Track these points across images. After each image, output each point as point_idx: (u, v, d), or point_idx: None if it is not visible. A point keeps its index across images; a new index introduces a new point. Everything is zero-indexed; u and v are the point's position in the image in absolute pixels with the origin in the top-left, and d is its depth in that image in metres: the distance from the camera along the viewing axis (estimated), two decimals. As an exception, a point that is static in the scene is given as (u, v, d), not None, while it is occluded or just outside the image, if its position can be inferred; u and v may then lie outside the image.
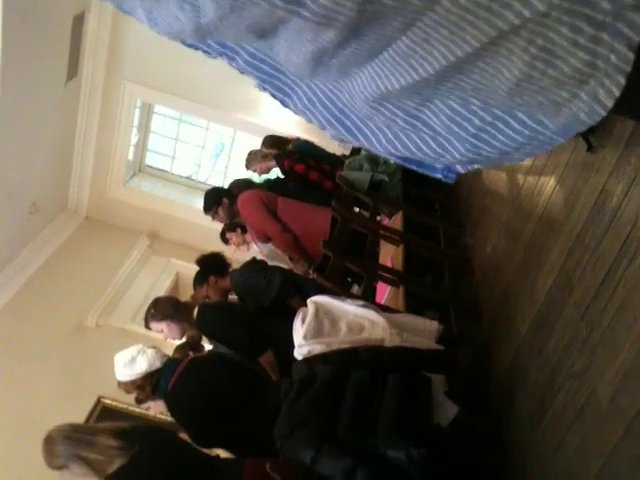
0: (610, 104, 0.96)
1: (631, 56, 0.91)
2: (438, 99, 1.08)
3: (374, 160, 4.30)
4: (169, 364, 2.73)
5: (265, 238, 4.29)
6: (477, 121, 1.09)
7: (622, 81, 0.93)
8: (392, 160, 3.87)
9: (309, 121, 1.27)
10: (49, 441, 2.39)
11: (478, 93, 1.04)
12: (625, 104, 0.96)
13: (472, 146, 1.13)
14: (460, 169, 1.27)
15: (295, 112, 1.28)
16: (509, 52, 0.95)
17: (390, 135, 1.19)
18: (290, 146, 5.13)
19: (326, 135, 1.31)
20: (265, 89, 1.24)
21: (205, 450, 2.55)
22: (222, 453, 2.62)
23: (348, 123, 1.22)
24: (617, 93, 0.94)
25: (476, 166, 1.24)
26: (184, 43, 1.16)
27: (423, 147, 1.17)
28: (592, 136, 2.28)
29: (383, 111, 1.13)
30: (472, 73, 1.00)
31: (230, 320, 3.05)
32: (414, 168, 1.32)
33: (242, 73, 1.24)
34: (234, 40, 1.13)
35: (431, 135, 1.15)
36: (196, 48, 1.21)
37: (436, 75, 1.00)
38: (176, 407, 2.65)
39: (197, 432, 2.57)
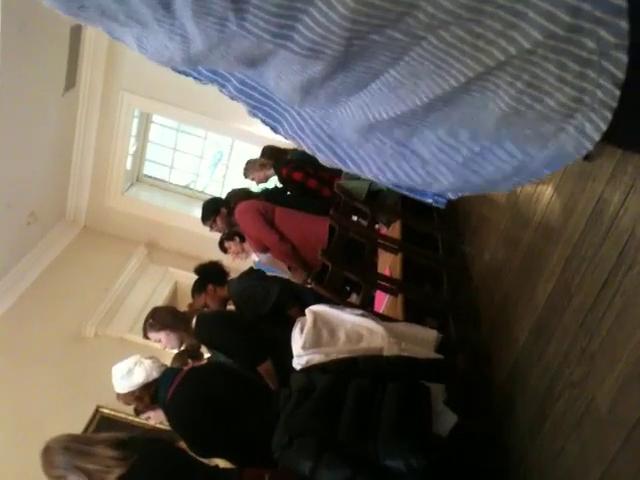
0: (597, 137, 0.98)
1: (617, 92, 0.93)
2: (427, 129, 1.09)
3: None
4: (167, 373, 2.73)
5: (263, 248, 4.30)
6: (465, 151, 1.10)
7: (609, 116, 0.95)
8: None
9: (299, 146, 1.29)
10: (47, 452, 2.38)
11: (466, 124, 1.06)
12: (611, 135, 0.98)
13: (461, 175, 1.15)
14: (451, 196, 1.29)
15: (286, 137, 1.29)
16: (495, 86, 0.96)
17: (380, 163, 1.21)
18: (289, 155, 5.14)
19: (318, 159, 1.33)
20: (256, 115, 1.26)
21: (204, 460, 2.54)
22: (221, 463, 2.60)
23: (338, 150, 1.24)
24: (604, 127, 0.96)
25: (466, 193, 1.26)
26: (175, 69, 1.17)
27: (412, 175, 1.19)
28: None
29: (372, 139, 1.15)
30: (459, 106, 1.01)
31: (229, 329, 3.05)
32: (405, 193, 1.34)
33: (233, 99, 1.25)
34: (224, 68, 1.15)
35: (420, 163, 1.17)
36: (187, 74, 1.22)
37: (423, 107, 1.01)
38: (175, 416, 2.64)
39: (196, 441, 2.56)
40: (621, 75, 0.92)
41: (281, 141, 5.98)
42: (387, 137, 1.13)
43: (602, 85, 0.92)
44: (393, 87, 1.00)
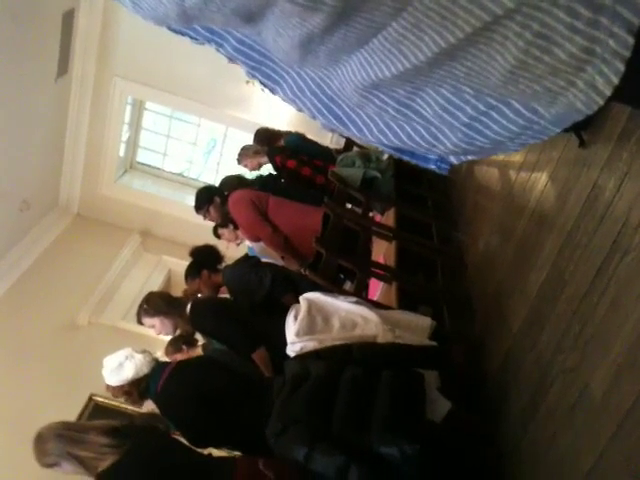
0: (608, 92, 0.93)
1: (631, 41, 0.88)
2: (430, 87, 1.05)
3: (366, 157, 4.29)
4: (157, 368, 2.73)
5: (256, 238, 4.29)
6: (470, 110, 1.07)
7: (621, 68, 0.90)
8: (385, 156, 3.85)
9: (299, 110, 1.25)
10: (40, 439, 2.38)
11: (471, 81, 1.01)
12: (623, 90, 0.93)
13: (465, 136, 1.10)
14: (454, 160, 1.25)
15: (285, 100, 1.25)
16: (503, 38, 0.92)
17: (381, 124, 1.17)
18: (282, 141, 5.11)
19: (318, 124, 1.29)
20: (254, 77, 1.22)
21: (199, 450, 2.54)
22: (215, 452, 2.61)
23: (338, 112, 1.20)
24: (616, 81, 0.91)
25: (470, 157, 1.21)
26: (170, 28, 1.13)
27: (415, 137, 1.15)
28: (584, 132, 2.28)
29: (374, 100, 1.11)
30: (464, 60, 0.97)
31: (223, 316, 3.04)
32: (407, 158, 1.30)
33: (230, 60, 1.22)
34: (221, 25, 1.11)
35: (423, 124, 1.13)
36: (183, 34, 1.19)
37: (427, 62, 0.97)
38: (165, 408, 2.64)
39: (188, 432, 2.56)
40: (637, 21, 0.87)
41: (275, 121, 5.98)
42: (389, 97, 1.09)
43: (615, 33, 0.88)
44: (396, 42, 0.96)
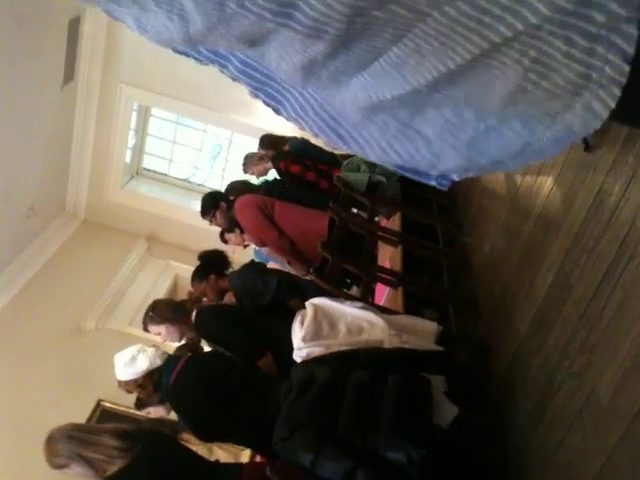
0: (605, 115, 0.95)
1: (626, 68, 0.90)
2: (431, 109, 1.07)
3: (372, 161, 4.29)
4: (169, 361, 2.74)
5: (262, 243, 4.30)
6: (471, 131, 1.08)
7: (617, 93, 0.92)
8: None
9: (302, 129, 1.27)
10: (51, 440, 2.40)
11: (471, 103, 1.03)
12: (619, 112, 0.95)
13: (466, 155, 1.12)
14: (455, 177, 1.26)
15: (288, 119, 1.27)
16: (501, 64, 0.94)
17: (383, 144, 1.19)
18: (287, 146, 5.13)
19: (321, 141, 1.31)
20: (257, 96, 1.24)
21: (206, 450, 2.55)
22: (222, 458, 2.62)
23: (341, 131, 1.22)
24: (612, 105, 0.94)
25: (470, 174, 1.23)
26: (175, 50, 1.15)
27: (416, 156, 1.17)
28: (589, 136, 2.28)
29: (375, 120, 1.12)
30: (464, 84, 0.99)
31: (228, 323, 3.05)
32: (408, 175, 1.32)
33: (234, 80, 1.23)
34: (225, 48, 1.13)
35: (424, 144, 1.14)
36: (187, 55, 1.20)
37: (428, 86, 0.99)
38: (177, 400, 2.65)
39: (198, 425, 2.57)
40: (631, 50, 0.89)
41: (280, 126, 5.99)
42: (391, 117, 1.11)
43: (610, 61, 0.90)
44: (397, 66, 0.97)
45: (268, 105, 1.24)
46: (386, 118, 1.11)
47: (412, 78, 0.99)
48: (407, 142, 1.15)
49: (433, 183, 1.31)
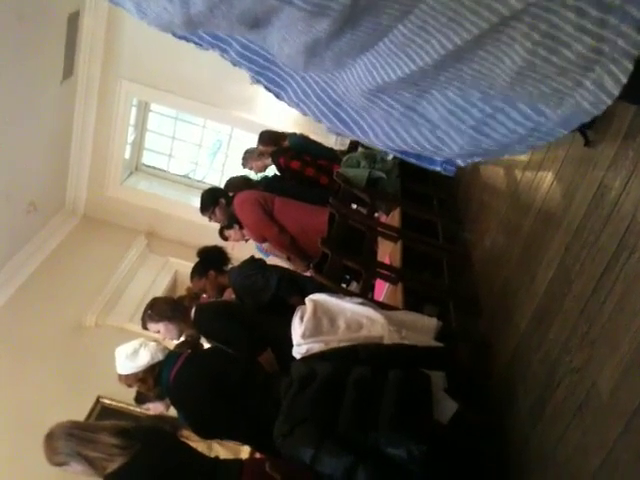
0: (617, 92, 0.92)
1: None
2: (436, 90, 1.05)
3: (371, 157, 4.29)
4: (171, 356, 2.74)
5: (262, 239, 4.30)
6: (477, 113, 1.06)
7: (630, 66, 0.89)
8: (389, 156, 3.84)
9: (304, 114, 1.25)
10: (51, 437, 2.40)
11: (478, 83, 1.01)
12: (630, 89, 0.92)
13: (472, 139, 1.10)
14: (460, 162, 1.24)
15: (290, 105, 1.25)
16: (510, 39, 0.91)
17: (387, 128, 1.16)
18: (286, 142, 5.12)
19: (323, 128, 1.29)
20: (258, 81, 1.22)
21: (206, 447, 2.55)
22: (222, 454, 2.61)
23: (344, 116, 1.20)
24: (624, 80, 0.90)
25: (476, 159, 1.21)
26: (175, 35, 1.14)
27: (421, 140, 1.14)
28: (590, 131, 2.28)
29: (379, 103, 1.10)
30: (472, 62, 0.96)
31: (228, 319, 3.05)
32: (412, 161, 1.30)
33: (235, 65, 1.22)
34: (226, 31, 1.11)
35: (429, 128, 1.12)
36: (187, 40, 1.19)
37: (434, 65, 0.97)
38: (178, 396, 2.65)
39: (199, 421, 2.57)
40: None
41: (280, 122, 5.98)
42: (395, 100, 1.09)
43: (624, 32, 0.87)
44: (402, 45, 0.95)
45: (269, 90, 1.23)
46: (390, 102, 1.09)
47: (418, 57, 0.96)
48: (411, 126, 1.13)
49: (438, 168, 1.29)
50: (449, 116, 1.07)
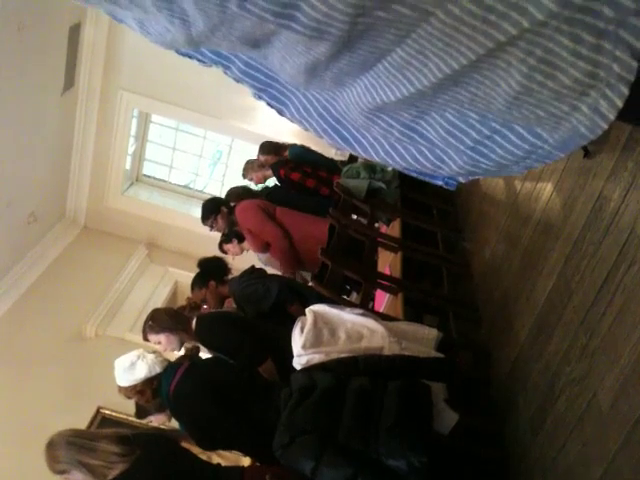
0: (612, 116, 0.93)
1: (634, 64, 0.88)
2: (434, 111, 1.06)
3: (371, 168, 4.30)
4: (170, 368, 2.73)
5: (262, 246, 4.29)
6: (475, 134, 1.07)
7: (625, 91, 0.90)
8: (389, 167, 3.86)
9: (306, 130, 1.26)
10: (52, 446, 2.39)
11: (475, 106, 1.02)
12: (627, 111, 0.93)
13: (470, 159, 1.11)
14: (461, 179, 1.25)
15: (292, 121, 1.26)
16: (507, 64, 0.92)
17: (387, 146, 1.18)
18: (286, 152, 5.13)
19: (324, 142, 1.30)
20: (261, 98, 1.23)
21: (205, 458, 2.54)
22: (222, 461, 2.61)
23: (345, 133, 1.21)
24: (620, 104, 0.92)
25: (477, 177, 1.22)
26: (178, 52, 1.15)
27: (420, 159, 1.16)
28: (588, 142, 2.28)
29: (379, 122, 1.11)
30: (468, 85, 0.98)
31: (229, 330, 3.05)
32: (414, 176, 1.31)
33: (237, 82, 1.23)
34: (228, 50, 1.12)
35: (428, 147, 1.13)
36: (190, 57, 1.20)
37: (432, 87, 0.98)
38: (178, 408, 2.64)
39: (200, 433, 2.56)
40: (639, 45, 0.87)
41: (280, 133, 5.99)
42: (394, 120, 1.10)
43: (618, 57, 0.88)
44: (400, 67, 0.96)
45: (272, 106, 1.24)
46: (390, 121, 1.10)
47: (416, 80, 0.97)
48: (410, 145, 1.14)
49: (440, 183, 1.30)
50: (448, 137, 1.09)
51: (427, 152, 1.14)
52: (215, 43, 0.98)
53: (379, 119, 1.11)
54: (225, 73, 1.21)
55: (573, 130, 0.98)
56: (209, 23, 0.90)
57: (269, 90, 1.21)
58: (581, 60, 0.89)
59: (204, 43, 0.97)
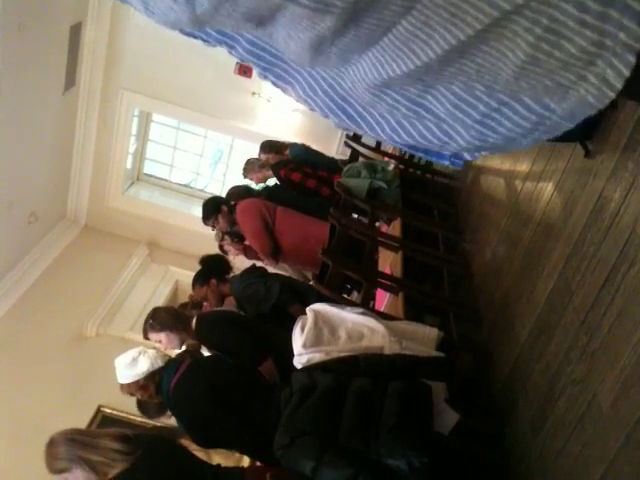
0: (619, 85, 0.92)
1: None
2: (441, 85, 1.05)
3: (372, 167, 4.30)
4: (171, 363, 2.73)
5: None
6: (482, 107, 1.06)
7: (632, 60, 0.89)
8: (390, 167, 3.86)
9: (311, 109, 1.26)
10: (52, 444, 2.39)
11: (482, 78, 1.01)
12: (633, 85, 0.92)
13: (477, 133, 1.10)
14: (467, 156, 1.25)
15: (297, 100, 1.26)
16: (513, 34, 0.91)
17: (393, 123, 1.17)
18: (287, 152, 5.13)
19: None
20: (266, 77, 1.23)
21: (205, 458, 2.54)
22: (222, 461, 2.61)
23: (351, 111, 1.20)
24: (627, 73, 0.90)
25: (484, 153, 1.22)
26: (182, 32, 1.14)
27: (427, 134, 1.14)
28: (590, 142, 2.29)
29: (385, 98, 1.10)
30: (475, 57, 0.97)
31: (230, 329, 3.05)
32: (421, 155, 1.31)
33: (243, 61, 1.23)
34: (232, 28, 1.12)
35: (435, 122, 1.12)
36: (195, 37, 1.20)
37: (438, 60, 0.97)
38: (179, 406, 2.64)
39: (199, 431, 2.56)
40: None
41: (281, 132, 5.99)
42: (401, 96, 1.09)
43: (625, 26, 0.87)
44: (406, 40, 0.96)
45: (277, 85, 1.23)
46: (396, 97, 1.09)
47: (422, 52, 0.97)
48: (417, 121, 1.13)
49: (446, 162, 1.30)
50: (455, 110, 1.08)
51: (434, 127, 1.13)
52: (219, 22, 0.97)
53: (385, 95, 1.09)
54: (230, 53, 1.21)
55: (581, 100, 0.97)
56: (214, 0, 0.90)
57: (274, 69, 1.20)
58: (587, 28, 0.88)
59: (208, 22, 0.97)
